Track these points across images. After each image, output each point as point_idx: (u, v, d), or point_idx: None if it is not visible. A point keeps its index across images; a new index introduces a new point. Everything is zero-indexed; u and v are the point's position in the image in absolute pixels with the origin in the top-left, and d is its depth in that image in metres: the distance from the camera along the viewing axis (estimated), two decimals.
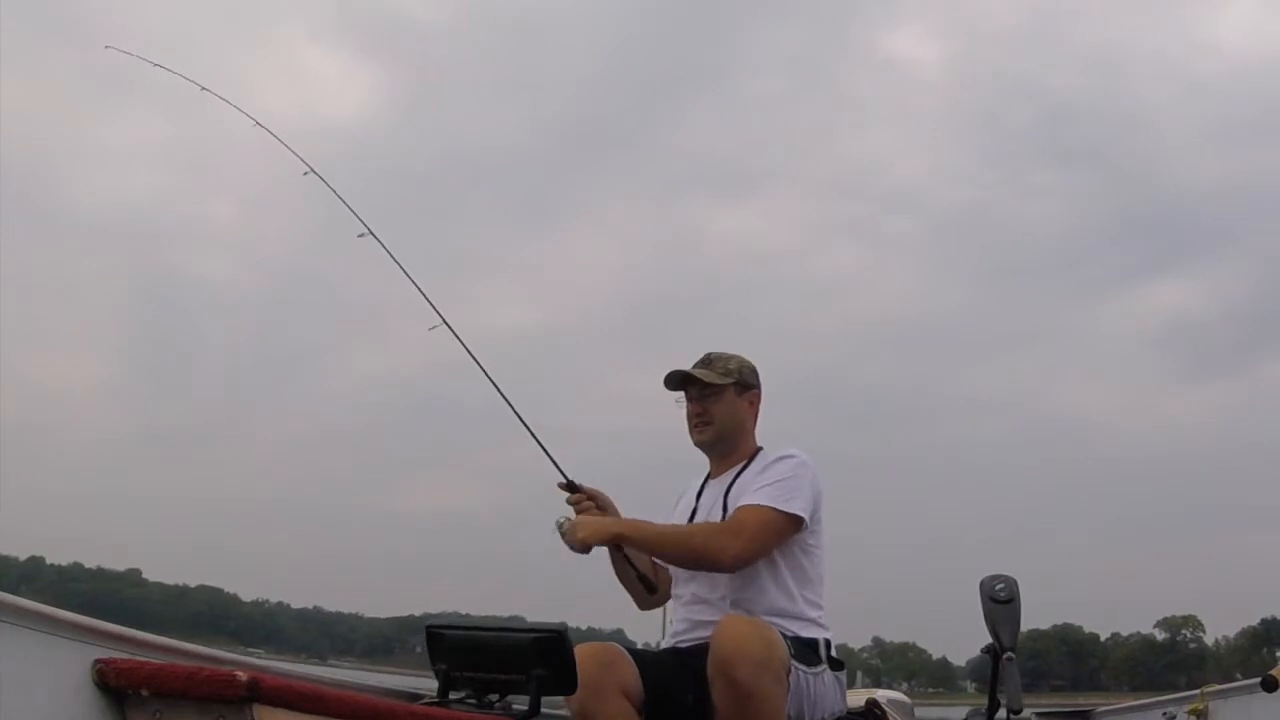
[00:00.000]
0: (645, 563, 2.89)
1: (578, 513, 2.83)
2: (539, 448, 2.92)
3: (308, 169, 3.32)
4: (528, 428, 2.93)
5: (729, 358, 2.93)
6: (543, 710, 2.31)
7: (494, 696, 2.35)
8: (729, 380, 2.88)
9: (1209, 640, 74.39)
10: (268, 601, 78.16)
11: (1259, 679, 3.08)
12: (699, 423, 2.89)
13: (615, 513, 2.88)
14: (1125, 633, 77.16)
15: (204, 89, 3.57)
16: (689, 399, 2.91)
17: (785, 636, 2.54)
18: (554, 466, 2.89)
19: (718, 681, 2.33)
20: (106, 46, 3.71)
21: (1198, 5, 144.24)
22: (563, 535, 2.71)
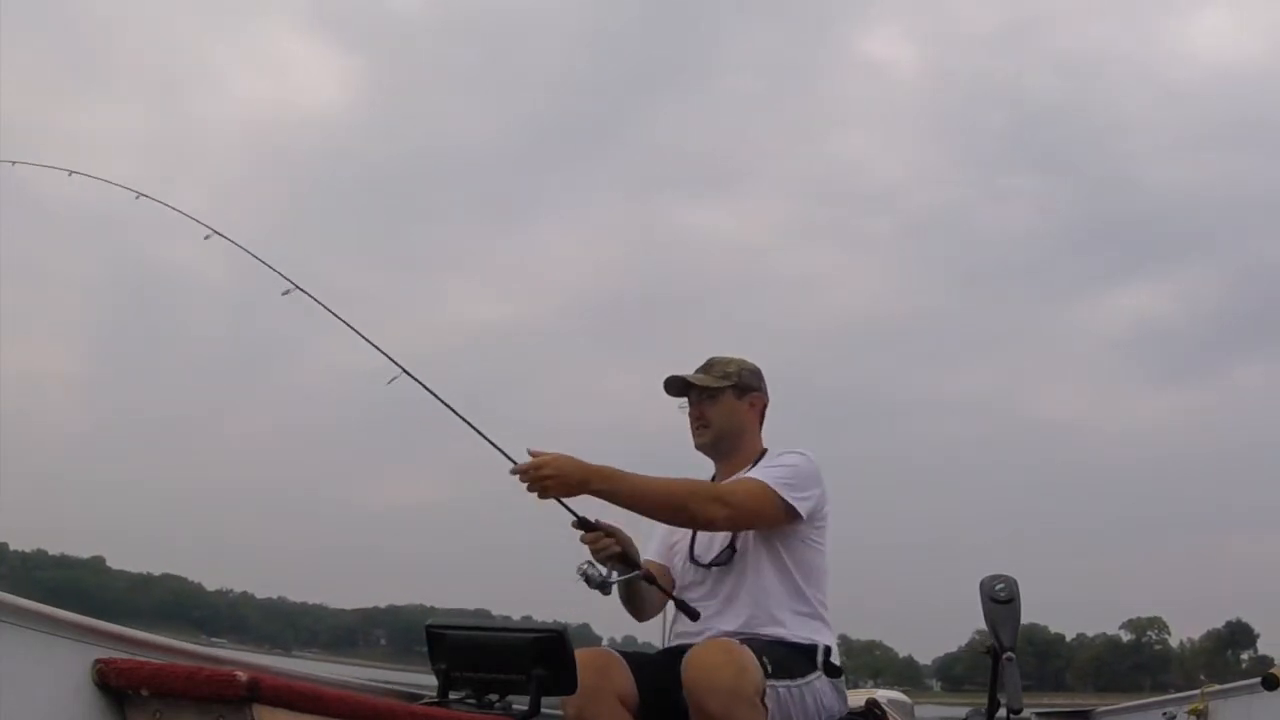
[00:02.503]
0: (653, 596, 2.81)
1: (594, 552, 2.63)
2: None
3: (210, 231, 2.97)
4: (514, 462, 2.60)
5: (728, 361, 2.91)
6: (542, 710, 2.30)
7: (494, 696, 2.34)
8: (726, 383, 2.87)
9: (1174, 642, 75.19)
10: (232, 591, 77.55)
11: (1259, 678, 3.09)
12: (698, 426, 2.88)
13: (635, 552, 2.71)
14: (1091, 633, 77.75)
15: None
16: (690, 404, 2.90)
17: (774, 641, 2.56)
18: (565, 508, 2.63)
19: (692, 710, 2.34)
20: (14, 163, 3.15)
21: (1171, 13, 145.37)
22: (528, 488, 2.50)
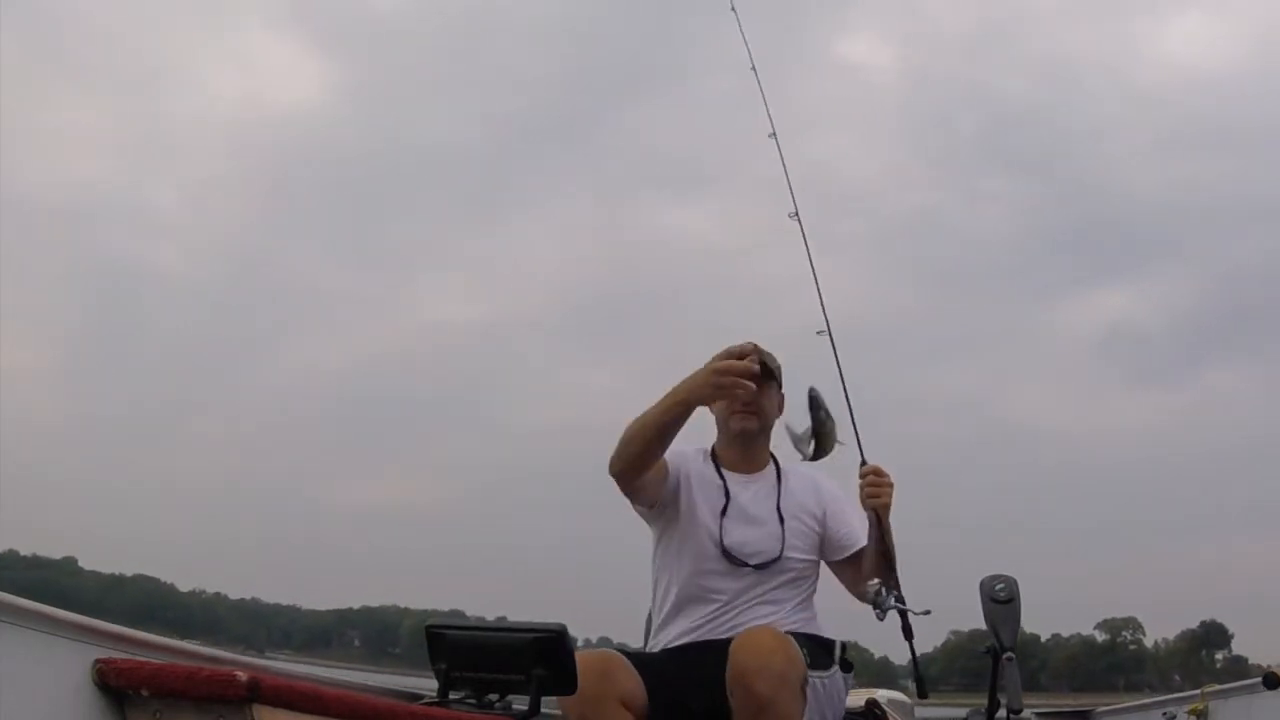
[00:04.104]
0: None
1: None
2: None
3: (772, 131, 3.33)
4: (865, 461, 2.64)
5: (769, 353, 2.82)
6: (543, 710, 2.27)
7: (494, 696, 2.32)
8: (777, 380, 2.84)
9: (1148, 642, 75.49)
10: (205, 592, 77.11)
11: (1260, 677, 3.11)
12: (749, 411, 2.78)
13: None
14: (1066, 633, 77.98)
15: None
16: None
17: (804, 635, 2.56)
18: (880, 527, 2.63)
19: (737, 692, 2.31)
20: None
21: (1147, 18, 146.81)
22: (869, 492, 2.55)
